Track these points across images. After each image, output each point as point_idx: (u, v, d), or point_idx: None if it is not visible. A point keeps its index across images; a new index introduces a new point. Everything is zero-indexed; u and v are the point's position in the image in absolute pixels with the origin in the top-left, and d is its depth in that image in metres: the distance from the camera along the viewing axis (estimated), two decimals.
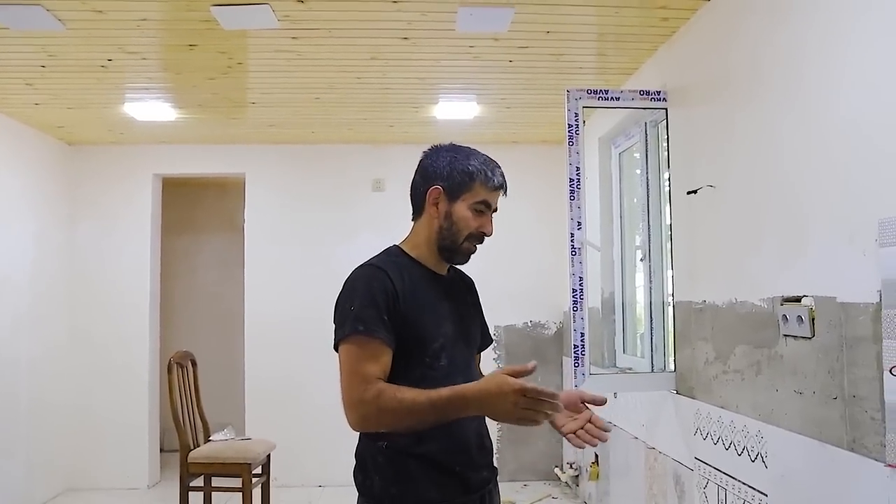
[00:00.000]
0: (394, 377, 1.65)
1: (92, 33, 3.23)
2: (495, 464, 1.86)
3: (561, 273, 5.61)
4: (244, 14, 3.00)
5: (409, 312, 1.67)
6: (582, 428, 1.73)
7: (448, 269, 1.86)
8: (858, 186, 1.97)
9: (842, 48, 2.06)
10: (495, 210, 1.80)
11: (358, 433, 1.70)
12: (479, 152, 1.79)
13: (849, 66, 2.02)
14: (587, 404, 1.77)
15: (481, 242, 1.77)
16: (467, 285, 1.96)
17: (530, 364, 1.52)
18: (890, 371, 1.77)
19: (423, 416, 1.55)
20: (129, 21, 3.10)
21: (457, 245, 1.74)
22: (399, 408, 1.55)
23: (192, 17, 3.07)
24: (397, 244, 1.83)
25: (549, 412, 1.47)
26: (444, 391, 1.54)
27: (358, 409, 1.58)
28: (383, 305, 1.63)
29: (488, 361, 5.12)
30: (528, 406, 1.46)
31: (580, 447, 1.75)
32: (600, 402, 1.76)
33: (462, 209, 1.73)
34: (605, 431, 1.73)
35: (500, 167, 1.79)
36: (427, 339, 1.69)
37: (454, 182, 1.74)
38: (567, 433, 1.74)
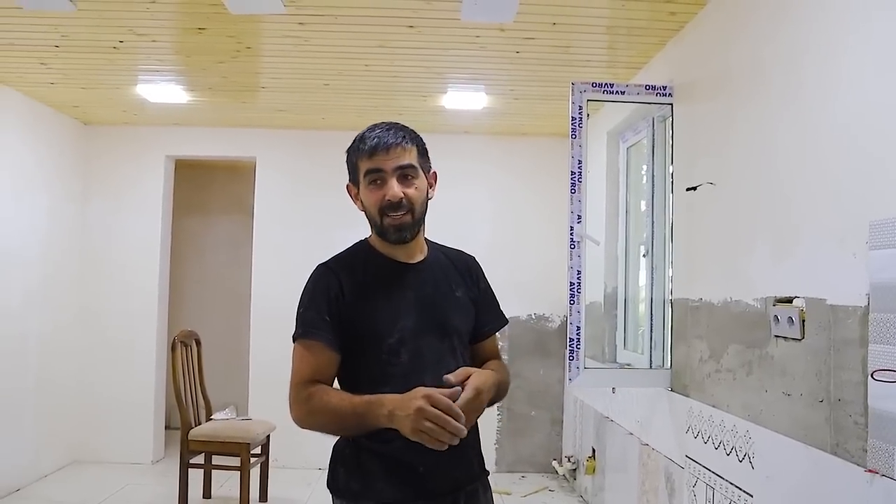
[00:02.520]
0: (354, 376, 1.65)
1: (102, 14, 3.26)
2: (485, 465, 1.78)
3: (565, 266, 5.61)
4: None
5: (359, 309, 1.64)
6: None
7: (426, 253, 1.77)
8: (850, 188, 1.96)
9: (839, 51, 2.04)
10: (402, 168, 1.64)
11: None
12: (368, 127, 1.69)
13: (845, 68, 2.01)
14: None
15: (398, 209, 1.63)
16: (462, 267, 1.83)
17: (455, 388, 1.50)
18: (872, 375, 1.76)
19: (347, 422, 1.55)
20: (138, 3, 3.12)
21: (380, 226, 1.67)
22: (325, 411, 1.56)
23: (201, 0, 3.09)
24: (367, 237, 1.79)
25: (448, 440, 1.45)
26: (367, 397, 1.53)
27: (292, 410, 1.61)
28: (325, 306, 1.63)
29: None
30: (424, 429, 1.44)
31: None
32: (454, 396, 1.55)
33: (363, 191, 1.68)
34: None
35: (382, 126, 1.67)
36: (381, 335, 1.63)
37: (350, 171, 1.73)
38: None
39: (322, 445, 6.00)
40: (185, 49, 3.77)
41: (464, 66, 3.97)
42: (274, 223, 5.75)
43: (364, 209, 1.71)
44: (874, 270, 1.82)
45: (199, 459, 4.47)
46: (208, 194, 6.92)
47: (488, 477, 1.80)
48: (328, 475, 1.70)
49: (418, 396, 1.46)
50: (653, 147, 3.85)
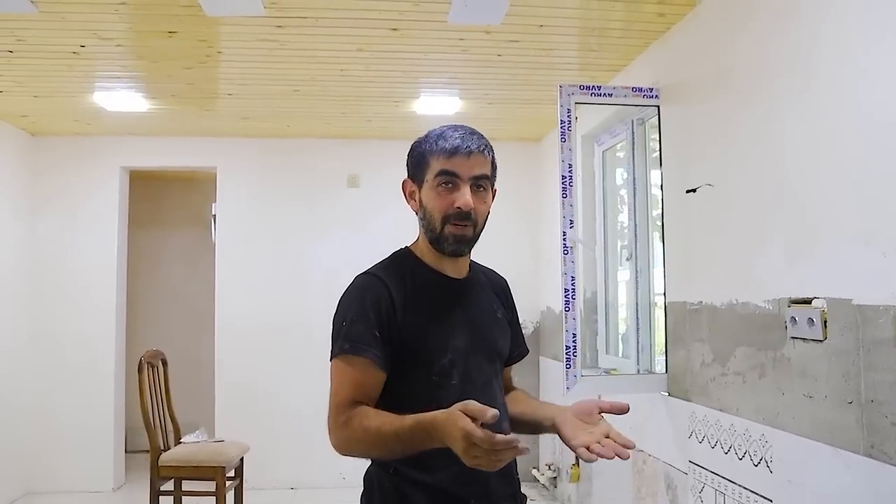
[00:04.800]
0: (399, 399, 1.48)
1: (66, 17, 3.06)
2: (523, 490, 1.65)
3: (538, 272, 5.58)
4: (229, 0, 2.87)
5: (410, 324, 1.50)
6: (598, 442, 1.44)
7: (469, 270, 1.65)
8: (875, 186, 1.93)
9: (854, 46, 2.02)
10: (477, 179, 1.51)
11: None
12: (447, 126, 1.56)
13: (865, 59, 1.98)
14: (605, 413, 1.53)
15: (466, 220, 1.50)
16: (498, 289, 1.73)
17: (489, 413, 1.22)
18: None
19: (390, 447, 1.38)
20: (106, 4, 2.94)
21: (438, 233, 1.52)
22: (365, 437, 1.39)
23: (174, 1, 2.93)
24: (408, 246, 1.65)
25: (507, 459, 1.22)
26: (409, 419, 1.35)
27: (331, 434, 1.45)
28: (375, 319, 1.47)
29: None
30: (479, 454, 1.21)
31: (590, 461, 1.46)
32: (622, 410, 1.50)
33: (427, 192, 1.53)
34: (627, 448, 1.42)
35: (463, 129, 1.54)
36: (433, 354, 1.50)
37: (414, 165, 1.58)
38: (577, 446, 1.45)
39: (294, 465, 5.82)
40: (152, 54, 3.58)
41: (442, 69, 3.89)
42: (236, 235, 5.56)
43: (422, 211, 1.56)
44: None
45: (169, 486, 4.25)
46: (165, 207, 6.68)
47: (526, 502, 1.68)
48: None
49: (455, 418, 1.26)
50: (633, 150, 3.83)
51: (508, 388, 1.77)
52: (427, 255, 1.60)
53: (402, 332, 1.49)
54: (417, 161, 1.57)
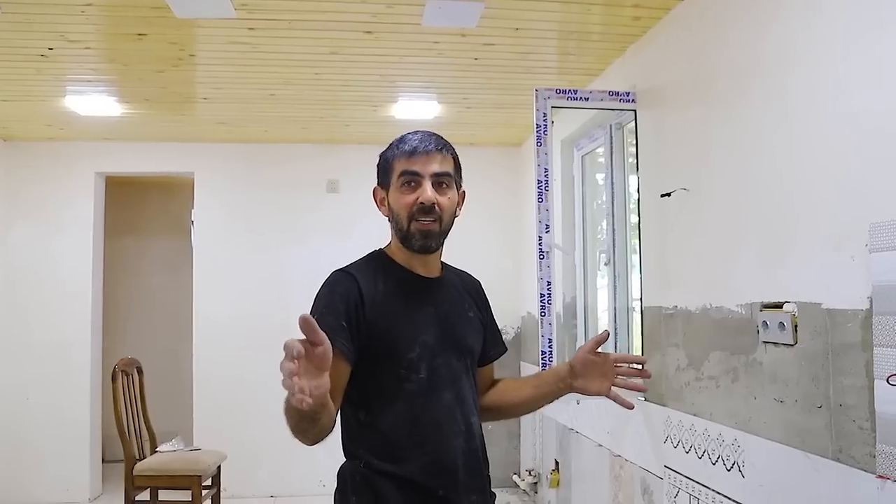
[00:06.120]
0: (368, 393, 1.55)
1: (30, 18, 3.01)
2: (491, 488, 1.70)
3: (518, 277, 5.55)
4: (199, 1, 2.83)
5: (378, 319, 1.54)
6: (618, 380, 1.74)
7: (442, 271, 1.71)
8: (846, 191, 1.92)
9: (830, 49, 2.01)
10: (438, 176, 1.58)
11: (342, 450, 1.60)
12: (409, 132, 1.65)
13: (836, 67, 1.97)
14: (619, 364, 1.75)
15: (429, 214, 1.56)
16: (471, 289, 1.78)
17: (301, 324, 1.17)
18: (887, 380, 1.71)
19: (291, 413, 1.34)
20: (72, 6, 2.89)
21: (406, 231, 1.58)
22: (287, 410, 1.35)
23: (143, 2, 2.89)
24: (382, 248, 1.70)
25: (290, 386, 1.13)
26: None
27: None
28: (343, 310, 1.52)
29: None
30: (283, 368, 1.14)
31: (630, 407, 1.77)
32: (640, 362, 1.80)
33: (393, 193, 1.61)
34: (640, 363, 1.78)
35: (422, 133, 1.63)
36: (401, 349, 1.55)
37: (381, 173, 1.66)
38: (606, 393, 1.74)
39: (273, 472, 5.74)
40: (121, 57, 3.53)
41: (419, 73, 3.86)
42: (214, 242, 5.49)
43: (390, 213, 1.63)
44: (876, 273, 1.78)
45: (145, 495, 4.19)
46: (143, 213, 6.59)
47: (494, 500, 1.71)
48: (337, 502, 1.59)
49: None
50: (611, 155, 3.81)
51: (492, 383, 1.84)
52: (398, 255, 1.66)
53: (370, 326, 1.53)
54: (383, 167, 1.66)
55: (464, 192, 1.70)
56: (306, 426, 1.36)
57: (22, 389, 5.18)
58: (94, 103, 4.31)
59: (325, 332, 1.39)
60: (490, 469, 1.68)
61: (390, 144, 1.66)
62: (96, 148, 5.37)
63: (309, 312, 1.50)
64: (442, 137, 1.65)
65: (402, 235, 1.60)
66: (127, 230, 6.43)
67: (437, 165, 1.59)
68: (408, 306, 1.60)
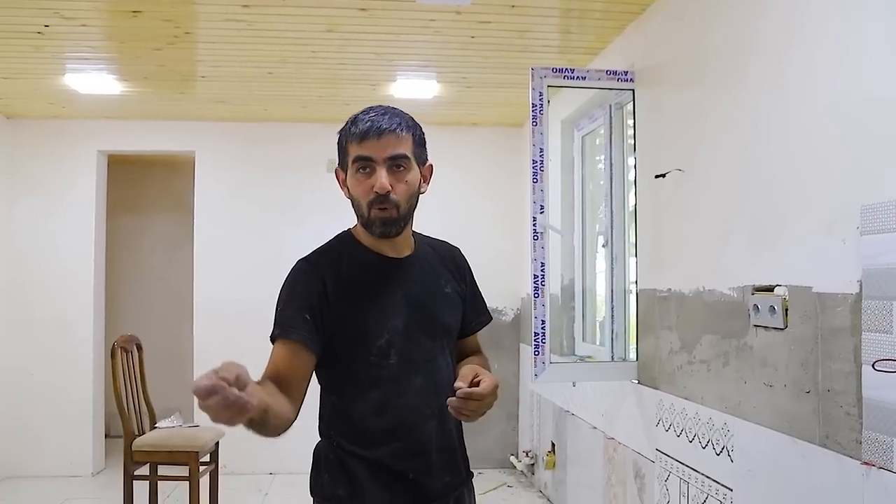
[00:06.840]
0: (340, 381, 1.55)
1: None
2: (470, 468, 1.69)
3: (518, 259, 5.52)
4: None
5: (344, 307, 1.51)
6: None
7: (415, 246, 1.64)
8: (838, 173, 1.89)
9: (825, 32, 1.97)
10: (393, 159, 1.49)
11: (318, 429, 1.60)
12: (363, 109, 1.54)
13: (831, 49, 1.93)
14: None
15: (385, 202, 1.48)
16: (448, 261, 1.70)
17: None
18: (873, 366, 1.69)
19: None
20: None
21: (366, 218, 1.52)
22: None
23: None
24: (350, 228, 1.64)
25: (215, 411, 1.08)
26: None
27: None
28: (306, 304, 1.49)
29: None
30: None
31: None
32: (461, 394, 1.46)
33: (350, 179, 1.53)
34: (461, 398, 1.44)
35: (377, 109, 1.52)
36: (370, 336, 1.51)
37: (339, 154, 1.57)
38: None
39: (273, 450, 5.74)
40: (117, 34, 3.51)
41: (416, 52, 3.82)
42: (215, 220, 5.49)
43: (350, 197, 1.56)
44: (867, 256, 1.75)
45: (144, 470, 4.22)
46: (144, 191, 6.60)
47: (472, 478, 1.72)
48: (311, 479, 1.59)
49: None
50: (611, 135, 3.77)
51: (469, 356, 1.75)
52: (364, 237, 1.59)
53: (336, 314, 1.50)
54: (340, 150, 1.57)
55: (430, 165, 1.61)
56: (255, 431, 1.32)
57: (26, 366, 5.22)
58: (93, 81, 4.30)
59: (285, 325, 1.46)
60: (468, 450, 1.67)
61: (345, 123, 1.55)
62: (98, 126, 5.36)
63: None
64: (398, 113, 1.54)
65: (364, 222, 1.54)
66: (129, 208, 6.45)
67: (391, 148, 1.48)
68: (376, 291, 1.55)
